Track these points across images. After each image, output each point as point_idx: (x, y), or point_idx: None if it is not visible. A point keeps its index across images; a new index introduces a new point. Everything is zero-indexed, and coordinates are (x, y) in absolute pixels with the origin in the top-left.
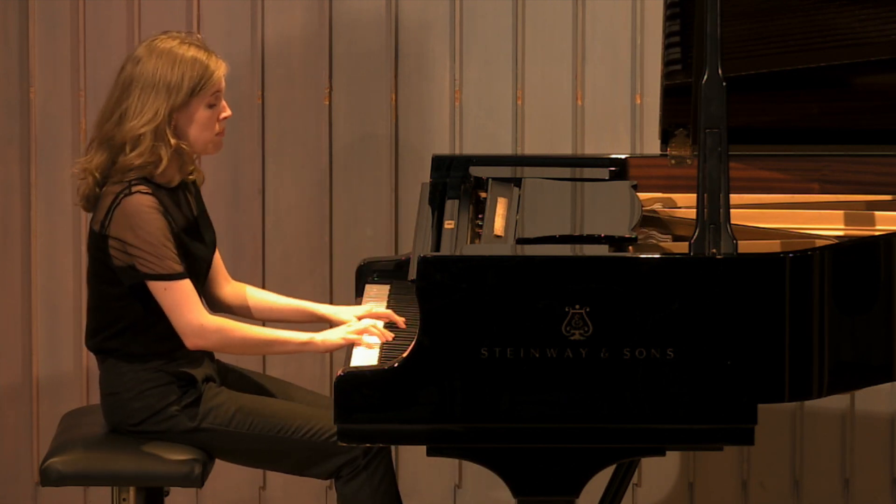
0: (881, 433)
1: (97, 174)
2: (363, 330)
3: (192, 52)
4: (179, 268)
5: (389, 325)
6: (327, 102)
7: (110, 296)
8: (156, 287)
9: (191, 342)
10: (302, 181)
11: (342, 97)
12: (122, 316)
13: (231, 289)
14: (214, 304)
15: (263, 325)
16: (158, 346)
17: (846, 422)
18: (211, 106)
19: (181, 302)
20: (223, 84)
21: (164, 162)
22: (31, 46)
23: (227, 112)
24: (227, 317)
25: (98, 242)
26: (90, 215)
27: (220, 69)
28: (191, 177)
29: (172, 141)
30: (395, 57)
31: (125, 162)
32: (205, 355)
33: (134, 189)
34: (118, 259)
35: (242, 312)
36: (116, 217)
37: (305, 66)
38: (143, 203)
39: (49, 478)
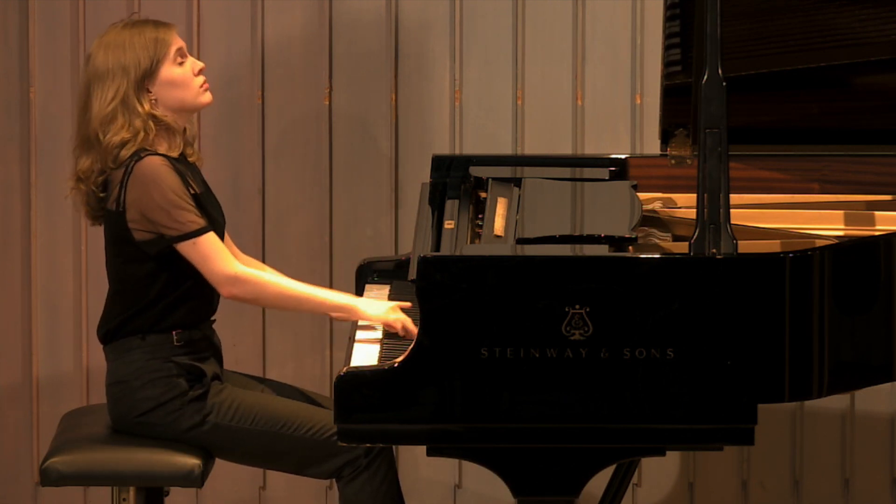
0: (881, 433)
1: (90, 177)
2: (405, 322)
3: (138, 31)
4: (203, 221)
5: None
6: (327, 102)
7: (134, 276)
8: (184, 247)
9: (226, 290)
10: (302, 181)
11: (342, 97)
12: (145, 295)
13: (243, 262)
14: None
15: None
16: (173, 325)
17: (846, 422)
18: (179, 64)
19: (211, 253)
20: (180, 42)
21: (143, 133)
22: (31, 46)
23: (200, 64)
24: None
25: (117, 220)
26: (81, 210)
27: (169, 32)
28: (191, 159)
29: (145, 106)
30: (395, 57)
31: (107, 144)
32: (213, 355)
33: (143, 155)
34: (140, 232)
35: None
36: (131, 185)
37: (305, 66)
38: (155, 163)
39: (49, 478)
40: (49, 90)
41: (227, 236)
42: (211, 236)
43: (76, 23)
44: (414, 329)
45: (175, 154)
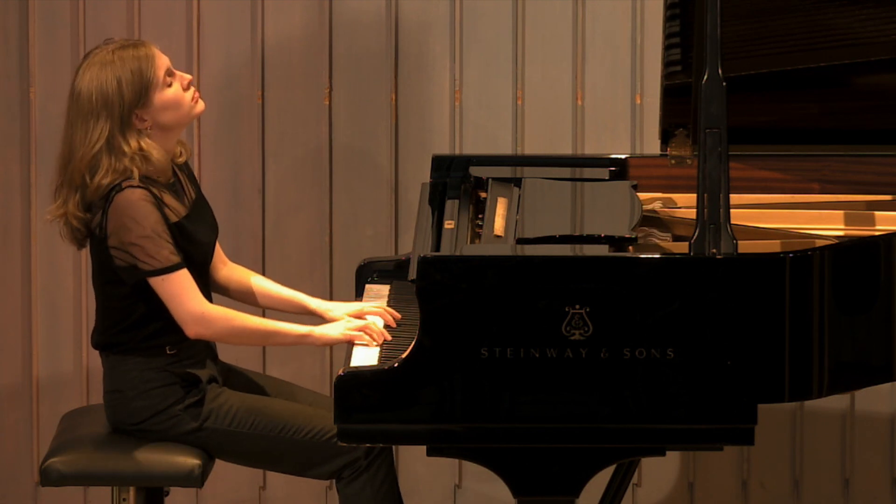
0: (881, 433)
1: (76, 215)
2: (363, 327)
3: (121, 62)
4: (176, 258)
5: (387, 325)
6: (327, 102)
7: (115, 296)
8: (155, 282)
9: (192, 331)
10: (302, 181)
11: (342, 97)
12: (129, 314)
13: (228, 271)
14: (212, 287)
15: (264, 314)
16: (164, 343)
17: (846, 422)
18: (169, 85)
19: (180, 292)
20: (165, 62)
21: (133, 170)
22: (31, 46)
23: (187, 77)
24: (228, 306)
25: (99, 245)
26: (66, 238)
27: (150, 57)
28: (180, 158)
29: (132, 145)
30: (395, 57)
31: (94, 188)
32: (208, 356)
33: (125, 185)
34: (119, 259)
35: (239, 297)
36: (111, 215)
37: (305, 66)
38: (134, 196)
39: (49, 478)
40: (49, 90)
41: (217, 246)
42: (181, 274)
43: (76, 23)
44: (380, 330)
45: (163, 178)
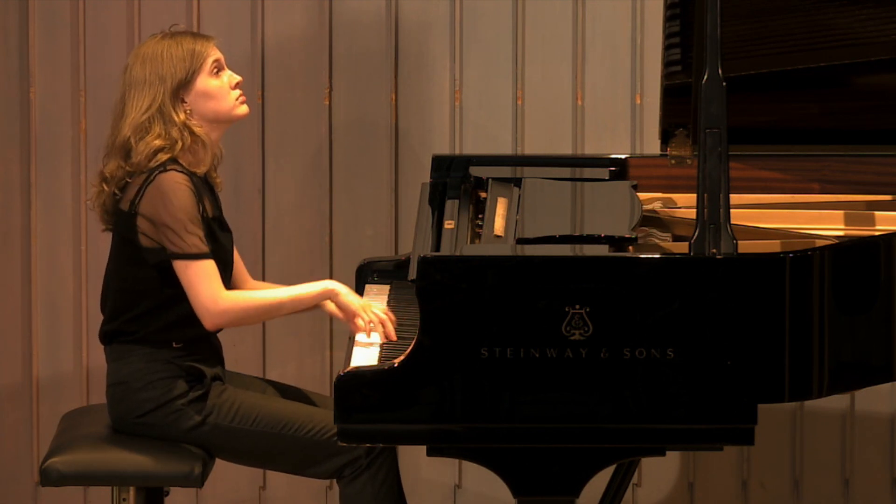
0: (881, 433)
1: (115, 179)
2: (380, 320)
3: (176, 42)
4: (205, 248)
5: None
6: (327, 102)
7: (135, 277)
8: (179, 265)
9: (209, 321)
10: (302, 181)
11: (342, 97)
12: (144, 298)
13: (252, 286)
14: None
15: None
16: (172, 338)
17: (846, 422)
18: (216, 75)
19: (203, 281)
20: (218, 54)
21: (179, 143)
22: (31, 46)
23: (237, 77)
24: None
25: (127, 221)
26: (96, 212)
27: (207, 45)
28: (218, 179)
29: (181, 116)
30: (395, 57)
31: (141, 149)
32: (214, 356)
33: (168, 167)
34: (146, 238)
35: None
36: (149, 193)
37: (305, 66)
38: (176, 179)
39: (49, 478)
40: (49, 90)
41: (237, 255)
42: (207, 263)
43: (76, 23)
44: (391, 329)
45: (201, 170)
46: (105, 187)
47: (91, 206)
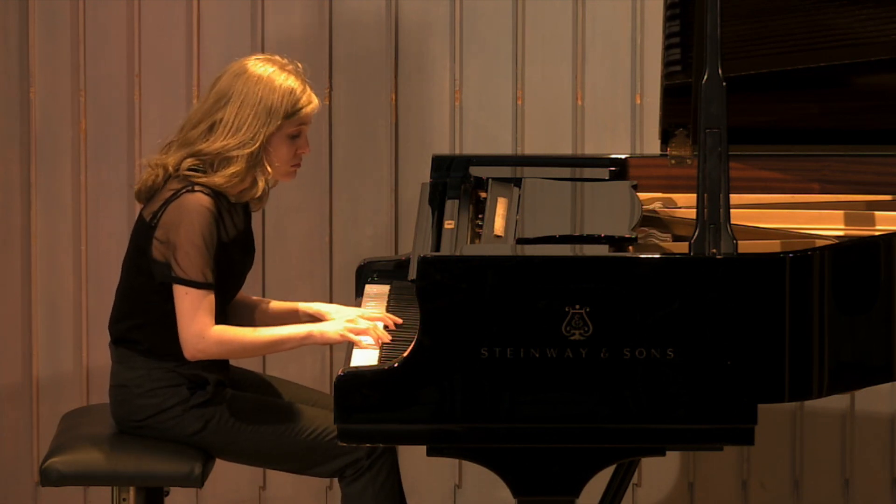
0: (881, 433)
1: (170, 170)
2: (363, 331)
3: (290, 80)
4: (210, 278)
5: (385, 326)
6: (327, 102)
7: (143, 287)
8: (179, 290)
9: (189, 352)
10: (302, 181)
11: (342, 97)
12: (149, 309)
13: (246, 303)
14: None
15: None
16: (177, 346)
17: (846, 422)
18: (293, 137)
19: (197, 312)
20: (311, 119)
21: (259, 191)
22: (31, 46)
23: (306, 149)
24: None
25: (145, 232)
26: (138, 190)
27: (312, 103)
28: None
29: (269, 169)
30: (395, 57)
31: (217, 169)
32: (218, 361)
33: (197, 188)
34: (158, 252)
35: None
36: (171, 210)
37: (305, 66)
38: (201, 203)
39: (49, 478)
40: (49, 90)
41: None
42: (206, 295)
43: (76, 23)
44: (382, 333)
45: (245, 199)
46: (158, 171)
47: (136, 179)
